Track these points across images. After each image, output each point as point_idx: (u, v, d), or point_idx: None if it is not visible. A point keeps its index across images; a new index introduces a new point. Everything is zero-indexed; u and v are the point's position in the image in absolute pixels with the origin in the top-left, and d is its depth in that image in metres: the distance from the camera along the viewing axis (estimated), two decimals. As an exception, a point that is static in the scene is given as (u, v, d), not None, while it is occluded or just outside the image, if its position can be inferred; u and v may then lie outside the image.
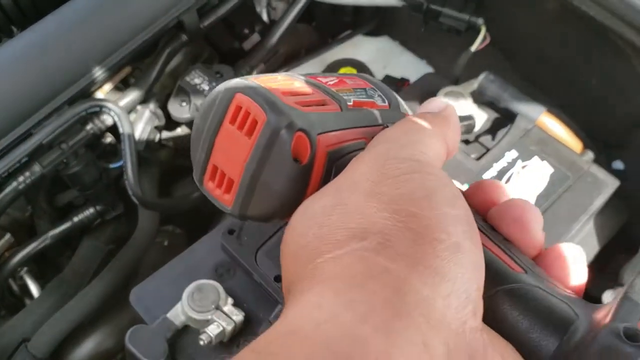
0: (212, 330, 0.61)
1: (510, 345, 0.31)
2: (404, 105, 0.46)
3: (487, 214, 0.37)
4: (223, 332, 0.61)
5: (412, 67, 0.99)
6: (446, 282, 0.28)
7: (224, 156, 0.36)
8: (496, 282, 0.33)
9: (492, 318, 0.32)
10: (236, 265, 0.68)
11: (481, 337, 0.29)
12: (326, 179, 0.35)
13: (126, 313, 0.90)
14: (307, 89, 0.38)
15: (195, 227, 0.75)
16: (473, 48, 0.86)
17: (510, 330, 0.32)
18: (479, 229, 0.35)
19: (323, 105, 0.38)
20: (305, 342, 0.26)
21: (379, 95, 0.44)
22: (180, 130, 1.01)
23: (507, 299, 0.33)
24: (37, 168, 0.79)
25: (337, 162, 0.36)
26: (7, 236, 0.91)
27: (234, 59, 1.01)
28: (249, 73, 0.96)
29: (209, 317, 0.62)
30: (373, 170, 0.32)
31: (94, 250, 0.92)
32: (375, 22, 1.07)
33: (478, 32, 0.87)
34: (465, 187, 0.72)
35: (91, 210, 0.89)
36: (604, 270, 0.82)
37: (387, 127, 0.38)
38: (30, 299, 0.91)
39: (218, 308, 0.62)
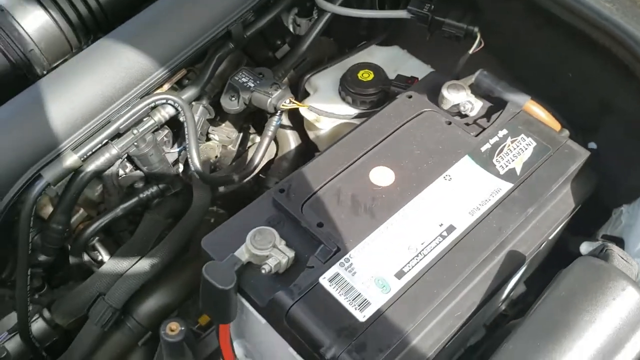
0: (271, 262, 0.76)
1: None
2: None
3: None
4: (279, 263, 0.77)
5: (418, 71, 1.17)
6: None
7: None
8: None
9: None
10: (285, 217, 0.84)
11: None
12: None
13: (182, 276, 1.07)
14: None
15: (235, 209, 0.90)
16: (471, 51, 1.04)
17: None
18: None
19: None
20: None
21: None
22: (224, 125, 1.19)
23: None
24: (114, 150, 0.97)
25: None
26: (81, 211, 1.08)
27: (267, 67, 1.19)
28: (284, 76, 1.15)
29: (268, 253, 0.78)
30: None
31: (155, 223, 1.07)
32: (386, 34, 1.25)
33: (474, 38, 1.05)
34: (466, 159, 0.88)
35: (154, 188, 1.06)
36: (581, 230, 0.99)
37: None
38: (98, 266, 1.07)
39: (275, 246, 0.79)
